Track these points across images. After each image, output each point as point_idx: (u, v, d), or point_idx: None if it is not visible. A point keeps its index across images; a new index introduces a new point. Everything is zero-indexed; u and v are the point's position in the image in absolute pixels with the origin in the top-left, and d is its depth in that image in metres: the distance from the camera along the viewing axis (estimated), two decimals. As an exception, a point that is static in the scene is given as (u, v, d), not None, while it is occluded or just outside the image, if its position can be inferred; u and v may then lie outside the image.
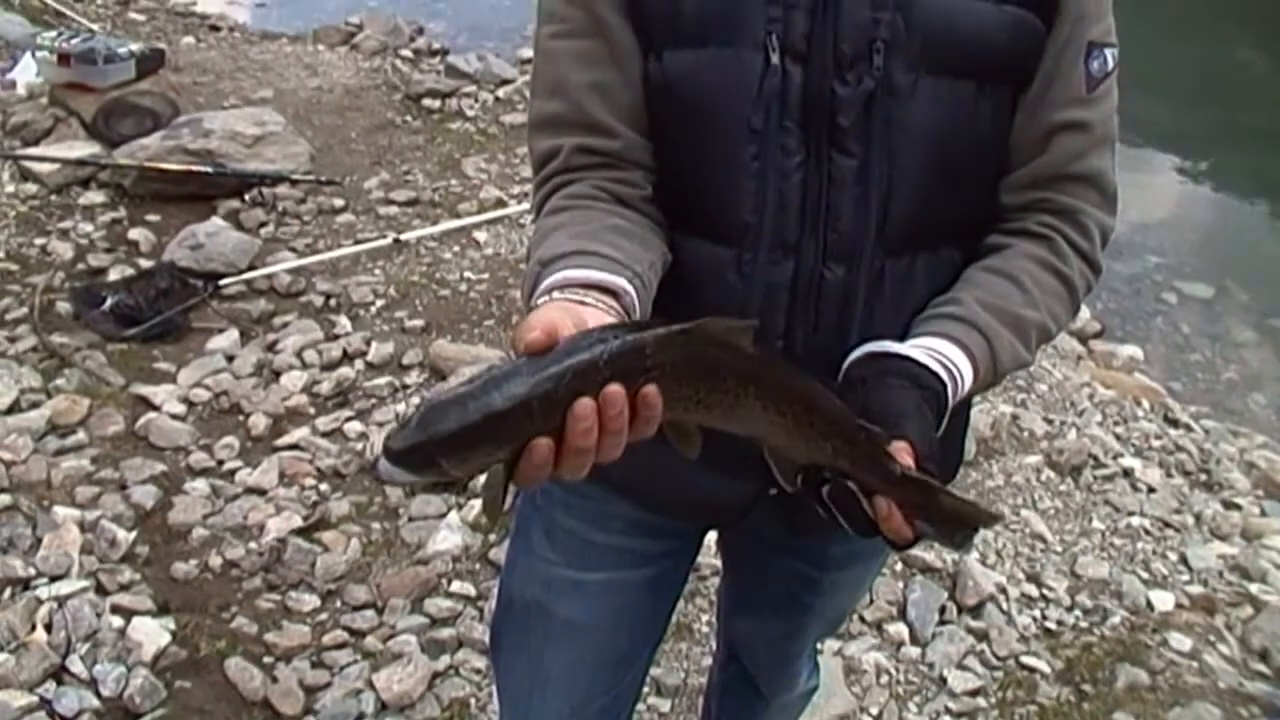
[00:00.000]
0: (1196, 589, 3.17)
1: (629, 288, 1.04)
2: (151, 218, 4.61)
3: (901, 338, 1.19)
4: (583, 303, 0.98)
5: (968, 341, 1.15)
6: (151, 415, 3.43)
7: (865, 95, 1.14)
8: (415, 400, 3.52)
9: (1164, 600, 3.09)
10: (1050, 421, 3.81)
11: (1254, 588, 3.20)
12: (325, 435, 3.44)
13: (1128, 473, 3.63)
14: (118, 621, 2.63)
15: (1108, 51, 1.23)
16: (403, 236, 4.50)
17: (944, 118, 1.16)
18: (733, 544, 1.74)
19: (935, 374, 1.10)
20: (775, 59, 1.13)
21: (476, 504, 3.07)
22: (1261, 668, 2.91)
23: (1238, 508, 3.68)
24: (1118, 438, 3.86)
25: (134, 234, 4.47)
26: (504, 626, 1.59)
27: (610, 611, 1.51)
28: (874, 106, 1.14)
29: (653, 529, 1.47)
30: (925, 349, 1.12)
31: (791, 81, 1.14)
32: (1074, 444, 3.65)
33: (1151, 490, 3.58)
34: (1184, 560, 3.29)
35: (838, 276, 1.19)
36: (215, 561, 2.90)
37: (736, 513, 1.37)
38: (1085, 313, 5.13)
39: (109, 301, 3.90)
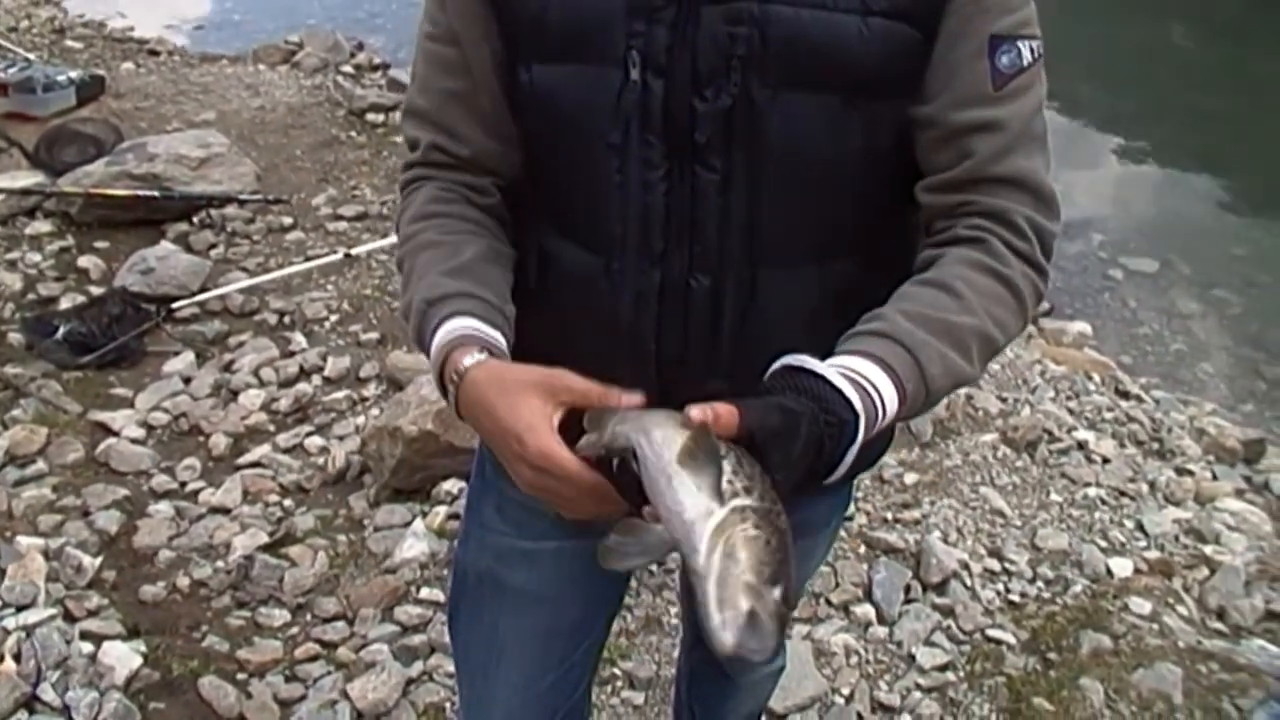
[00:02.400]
0: (1154, 554, 3.23)
1: (502, 340, 1.18)
2: (100, 244, 4.59)
3: (798, 348, 1.17)
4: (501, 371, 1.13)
5: (888, 358, 1.07)
6: (111, 441, 3.42)
7: (723, 111, 1.14)
8: (375, 413, 3.53)
9: (1123, 567, 3.14)
10: (1004, 399, 3.87)
11: (1208, 549, 3.26)
12: (286, 451, 3.45)
13: (1082, 445, 3.69)
14: (88, 647, 2.61)
15: (1021, 45, 1.17)
16: (353, 251, 4.50)
17: (807, 132, 1.15)
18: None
19: (847, 400, 1.01)
20: (635, 74, 1.14)
21: (441, 510, 3.09)
22: (1219, 625, 2.97)
23: (1190, 473, 3.76)
24: (1071, 412, 3.92)
25: (83, 261, 4.45)
26: (459, 600, 1.61)
27: (561, 580, 1.51)
28: (733, 122, 1.14)
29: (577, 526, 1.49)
30: (840, 368, 1.05)
31: (653, 96, 1.14)
32: (1028, 420, 3.71)
33: (1106, 461, 3.65)
34: (1140, 527, 3.35)
35: (704, 287, 1.21)
36: (183, 582, 2.89)
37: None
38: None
39: (61, 330, 3.88)
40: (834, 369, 1.04)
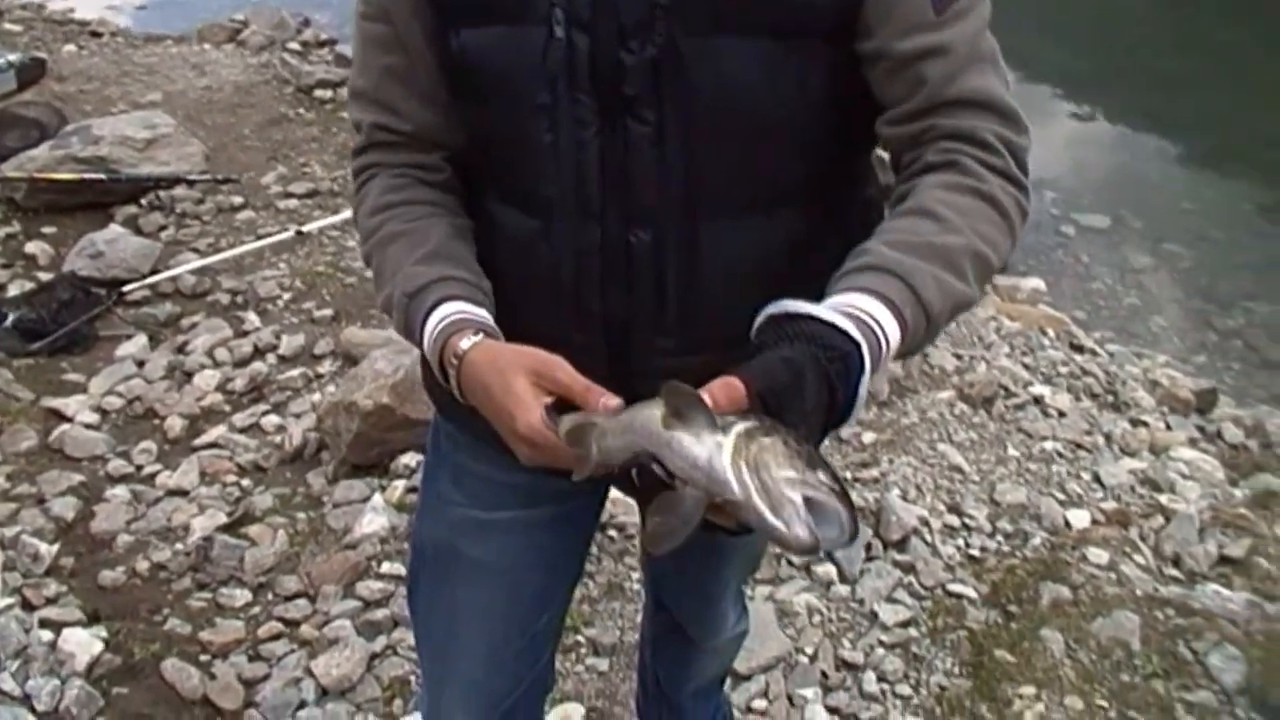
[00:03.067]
0: (1110, 504, 3.26)
1: (490, 318, 1.21)
2: (47, 230, 4.52)
3: (746, 303, 1.17)
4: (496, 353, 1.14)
5: (879, 288, 1.03)
6: (65, 427, 3.39)
7: (650, 62, 1.12)
8: (330, 389, 3.50)
9: (1080, 518, 3.18)
10: (960, 357, 3.89)
11: (1163, 498, 3.30)
12: (243, 431, 3.42)
13: (1038, 400, 3.72)
14: (47, 635, 2.59)
15: None
16: (305, 228, 4.46)
17: (738, 78, 1.13)
18: (645, 487, 1.75)
19: (843, 331, 0.98)
20: (560, 31, 1.13)
21: (400, 484, 3.08)
22: (1174, 572, 3.01)
23: (1144, 424, 3.80)
24: (1026, 367, 3.95)
25: (30, 247, 4.39)
26: (418, 573, 1.60)
27: (519, 550, 1.51)
28: (661, 72, 1.13)
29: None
30: (833, 306, 1.01)
31: (578, 52, 1.14)
32: (984, 376, 3.74)
33: (1062, 415, 3.68)
34: (1097, 478, 3.39)
35: (645, 243, 1.21)
36: (142, 566, 2.87)
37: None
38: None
39: (10, 318, 3.83)
40: (824, 308, 1.00)
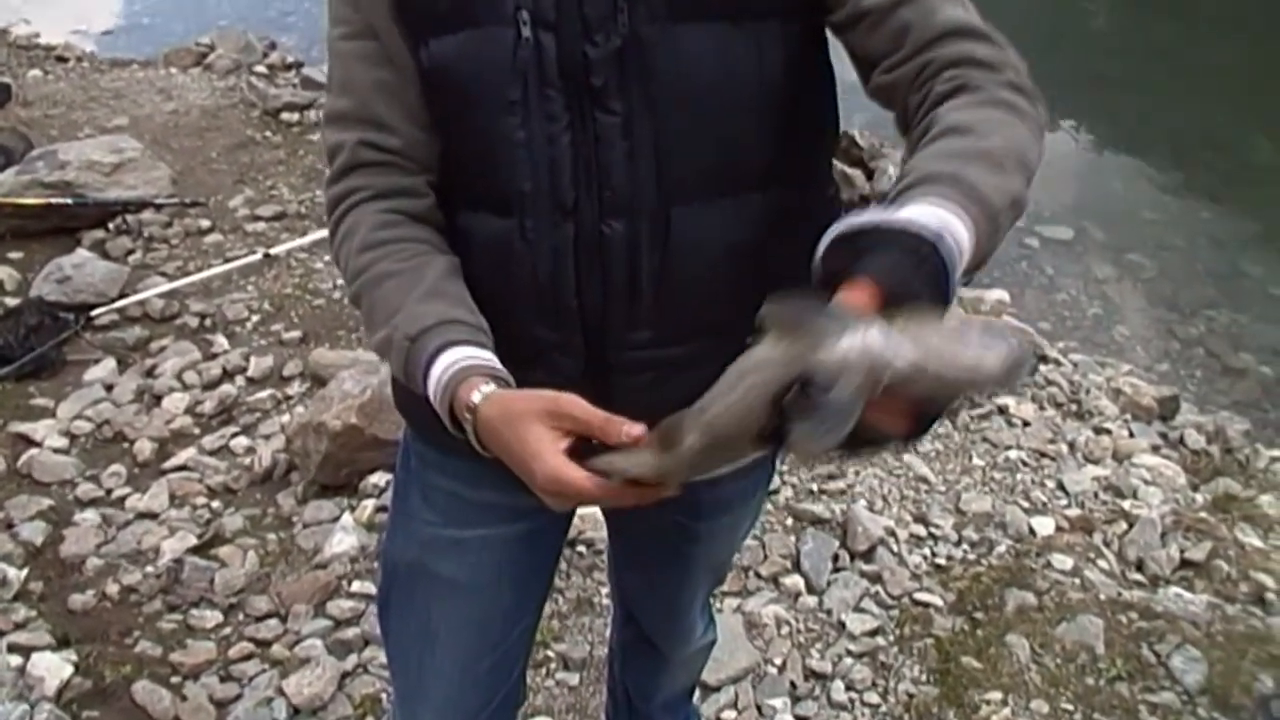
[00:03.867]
0: (1074, 511, 3.30)
1: (496, 360, 1.19)
2: (14, 255, 4.51)
3: (720, 288, 1.25)
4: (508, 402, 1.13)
5: (938, 193, 0.98)
6: (33, 452, 3.39)
7: (615, 52, 1.16)
8: (299, 410, 3.51)
9: (1045, 525, 3.22)
10: (924, 369, 3.92)
11: (1126, 504, 3.35)
12: (213, 453, 3.43)
13: (1002, 410, 3.76)
14: (16, 660, 2.59)
15: None
16: (273, 251, 4.47)
17: (699, 62, 1.17)
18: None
19: (921, 232, 0.92)
20: (527, 31, 1.16)
21: (369, 504, 3.09)
22: (1138, 576, 3.05)
23: (1108, 432, 3.84)
24: (990, 377, 3.99)
25: (-3, 273, 4.38)
26: (389, 592, 1.61)
27: (490, 567, 1.53)
28: (626, 62, 1.16)
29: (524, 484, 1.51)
30: (895, 216, 0.95)
31: (545, 50, 1.17)
32: (949, 387, 3.77)
33: (1026, 424, 3.72)
34: (1061, 486, 3.43)
35: (618, 232, 1.22)
36: (112, 589, 2.87)
37: None
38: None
39: (-23, 343, 3.82)
40: (894, 216, 0.94)
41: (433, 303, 1.22)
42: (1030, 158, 1.08)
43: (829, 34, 1.28)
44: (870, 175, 6.51)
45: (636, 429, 1.07)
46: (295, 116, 6.00)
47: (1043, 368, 4.19)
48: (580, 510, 1.75)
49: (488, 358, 1.19)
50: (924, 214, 0.94)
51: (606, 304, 1.27)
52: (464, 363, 1.17)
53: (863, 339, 0.82)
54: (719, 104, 1.20)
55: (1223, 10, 10.14)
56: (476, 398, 1.14)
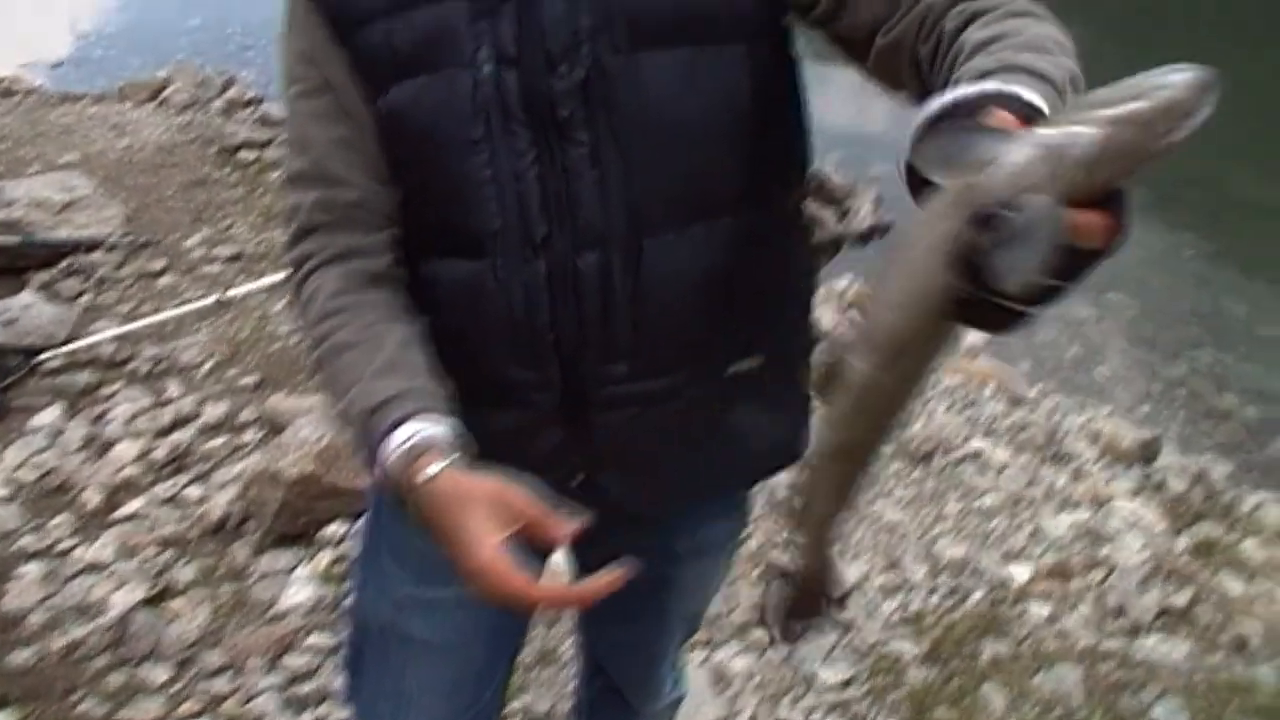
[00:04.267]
0: (1051, 558, 3.35)
1: (451, 430, 1.19)
2: (-42, 297, 4.51)
3: (695, 315, 1.28)
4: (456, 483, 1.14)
5: (1000, 79, 0.90)
6: (-26, 502, 3.38)
7: (579, 84, 1.20)
8: (255, 458, 3.52)
9: (1021, 573, 3.26)
10: (898, 412, 3.97)
11: (1105, 550, 3.39)
12: (164, 503, 3.42)
13: (978, 454, 3.81)
14: (-46, 722, 2.59)
15: None
16: (229, 293, 4.48)
17: (664, 88, 1.21)
18: (579, 549, 1.79)
19: (1008, 93, 0.86)
20: (488, 69, 1.20)
21: (326, 554, 3.10)
22: (1117, 625, 3.09)
23: (1086, 476, 3.90)
24: (967, 421, 4.05)
25: (-60, 316, 4.37)
26: (361, 651, 1.62)
27: (464, 627, 1.54)
28: (590, 93, 1.20)
29: None
30: (974, 88, 0.88)
31: (507, 87, 1.20)
32: (922, 432, 3.82)
33: (1002, 469, 3.78)
34: (1038, 532, 3.47)
35: (591, 263, 1.25)
36: (57, 644, 2.86)
37: None
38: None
39: (-81, 388, 3.81)
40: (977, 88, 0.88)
41: (389, 377, 1.23)
42: (1069, 43, 1.03)
43: (796, 53, 1.32)
44: (843, 215, 6.60)
45: (570, 528, 1.11)
46: (253, 154, 6.03)
47: (1019, 411, 4.25)
48: (548, 566, 1.76)
49: (443, 432, 1.19)
50: (996, 86, 0.88)
51: (582, 338, 1.29)
52: (418, 439, 1.18)
53: (1031, 140, 0.75)
54: (686, 130, 1.23)
55: (1202, 46, 10.32)
56: (420, 479, 1.15)
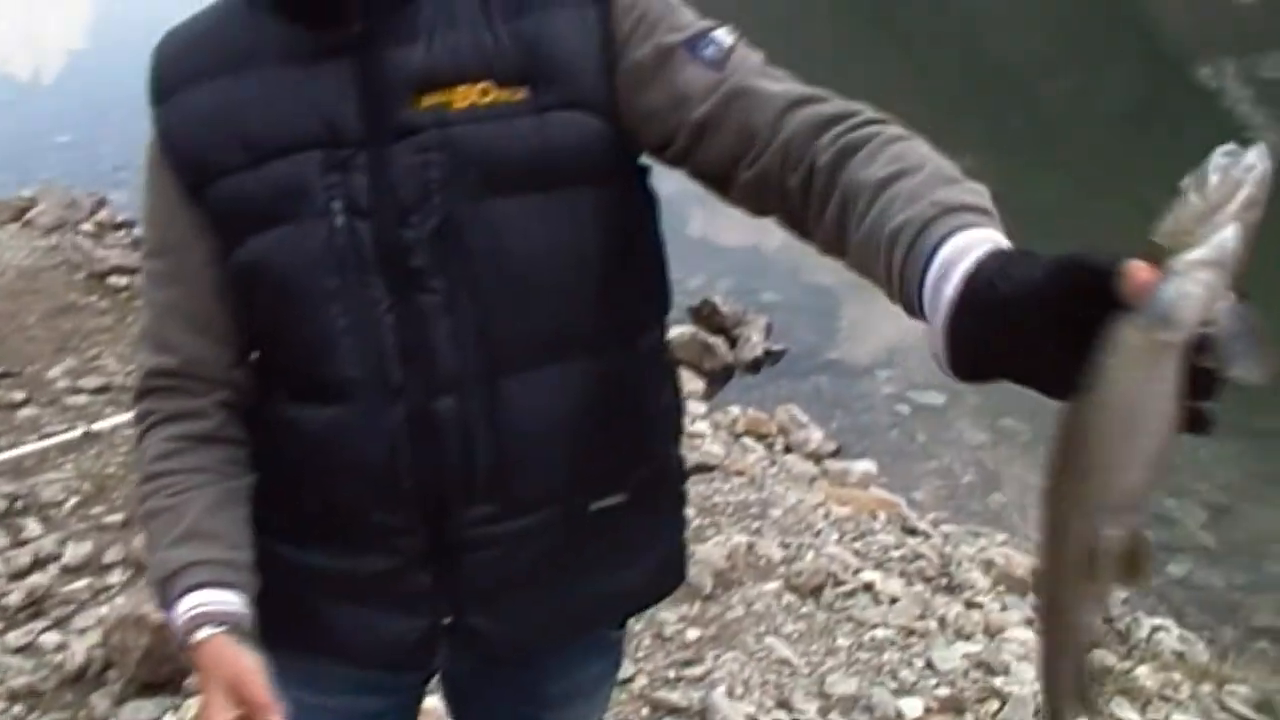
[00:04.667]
0: (944, 691, 3.41)
1: (233, 599, 1.32)
2: None
3: (557, 455, 1.36)
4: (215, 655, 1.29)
5: (956, 224, 0.95)
6: None
7: (432, 233, 1.27)
8: (119, 601, 3.49)
9: (913, 707, 3.31)
10: (787, 546, 4.05)
11: (998, 681, 3.46)
12: (17, 651, 3.37)
13: (868, 587, 3.88)
14: None
15: (712, 34, 1.28)
16: (95, 427, 4.46)
17: (515, 235, 1.29)
18: (453, 693, 1.82)
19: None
20: (341, 220, 1.28)
21: (193, 703, 3.06)
22: (1008, 759, 3.16)
23: (979, 606, 3.98)
24: (856, 553, 4.13)
25: None
26: None
27: None
28: (443, 241, 1.27)
29: (363, 683, 1.56)
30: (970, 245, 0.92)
31: (360, 238, 1.28)
32: (812, 565, 3.90)
33: (894, 600, 3.85)
34: (930, 664, 3.54)
35: (448, 407, 1.32)
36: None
37: (419, 652, 1.47)
38: (818, 433, 5.52)
39: None
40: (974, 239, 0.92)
41: (184, 546, 1.33)
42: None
43: (651, 190, 1.41)
44: (733, 343, 6.75)
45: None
46: (124, 280, 6.02)
47: (911, 541, 4.35)
48: (425, 704, 1.80)
49: (224, 600, 1.31)
50: (978, 237, 0.92)
51: (443, 481, 1.35)
52: (194, 611, 1.30)
53: (1196, 261, 0.77)
54: (539, 274, 1.31)
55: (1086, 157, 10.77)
56: (190, 645, 1.29)
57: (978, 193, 1.01)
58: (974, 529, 5.06)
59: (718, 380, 6.57)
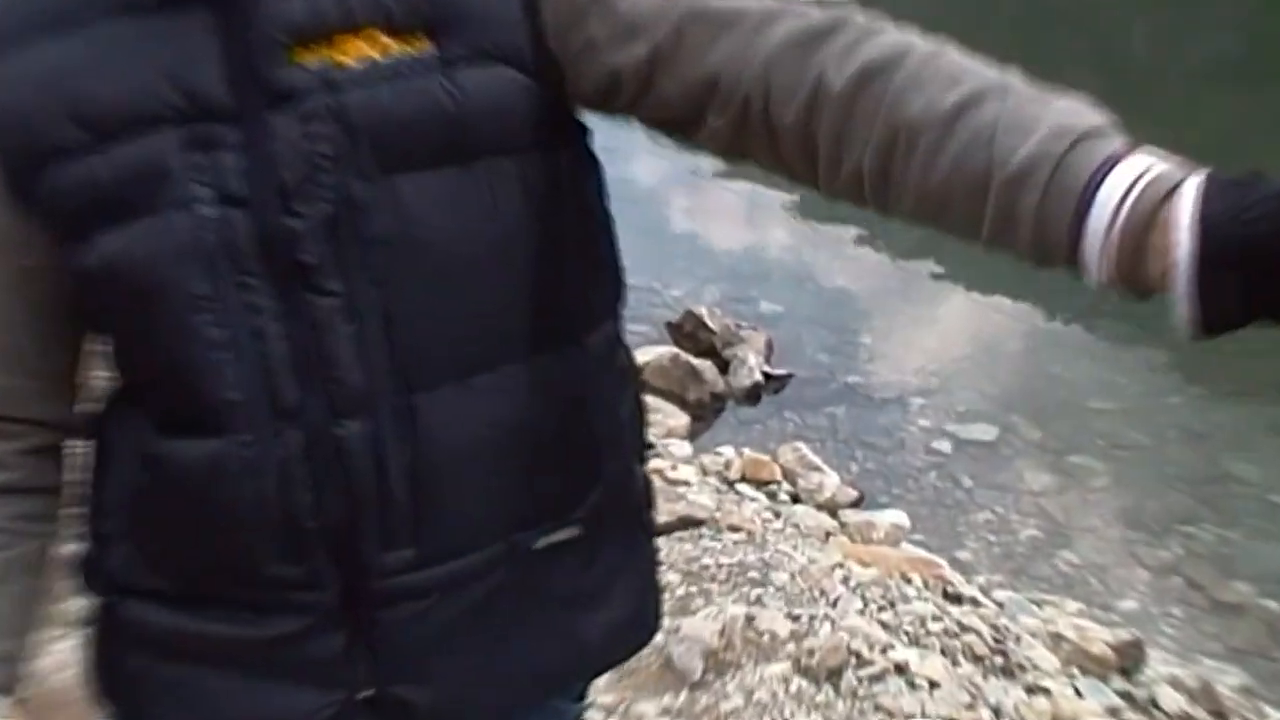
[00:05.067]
0: (1001, 802, 3.43)
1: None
2: None
3: (482, 484, 1.38)
4: None
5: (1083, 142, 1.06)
6: None
7: (326, 220, 1.26)
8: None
9: (963, 821, 3.34)
10: (796, 618, 4.04)
11: (1071, 786, 3.49)
12: None
13: (901, 668, 3.87)
14: None
15: None
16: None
17: (426, 217, 1.28)
18: None
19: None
20: (208, 211, 1.26)
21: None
22: None
23: (1045, 692, 3.98)
24: (885, 626, 4.12)
25: None
26: None
27: None
28: (339, 230, 1.26)
29: None
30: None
31: (234, 230, 1.26)
32: (828, 641, 3.89)
33: (934, 685, 3.84)
34: (983, 767, 3.56)
35: (355, 432, 1.31)
36: None
37: None
38: (834, 478, 5.53)
39: None
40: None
41: None
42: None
43: (593, 156, 1.44)
44: (725, 367, 6.69)
45: None
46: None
47: (955, 610, 4.35)
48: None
49: None
50: (1138, 166, 1.03)
51: (354, 522, 1.35)
52: None
53: None
54: (457, 265, 1.31)
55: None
56: None
57: (1080, 112, 1.08)
58: (1037, 596, 5.04)
59: (706, 414, 6.57)
